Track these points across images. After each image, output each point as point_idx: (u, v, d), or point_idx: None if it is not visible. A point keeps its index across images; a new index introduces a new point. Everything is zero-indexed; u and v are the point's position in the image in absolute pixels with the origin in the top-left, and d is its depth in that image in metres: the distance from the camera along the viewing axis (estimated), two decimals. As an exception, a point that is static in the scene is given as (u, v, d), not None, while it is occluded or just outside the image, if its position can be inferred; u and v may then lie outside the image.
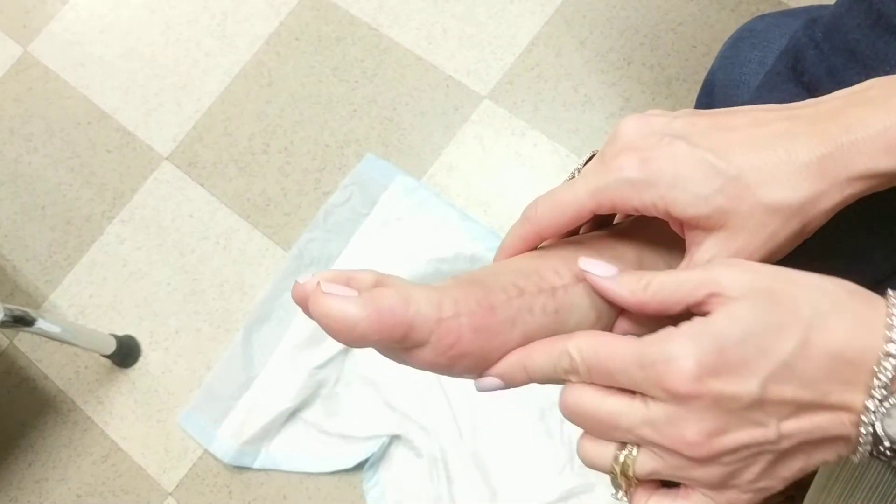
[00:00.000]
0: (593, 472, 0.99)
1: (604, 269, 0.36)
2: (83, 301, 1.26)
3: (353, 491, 1.09)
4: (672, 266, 0.40)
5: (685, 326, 0.32)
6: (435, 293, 0.35)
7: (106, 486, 1.17)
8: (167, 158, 1.31)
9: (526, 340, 0.36)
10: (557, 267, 0.38)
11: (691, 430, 0.31)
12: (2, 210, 1.34)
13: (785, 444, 0.32)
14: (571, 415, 0.35)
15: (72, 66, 1.40)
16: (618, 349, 0.33)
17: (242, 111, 1.31)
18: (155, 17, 1.40)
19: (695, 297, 0.33)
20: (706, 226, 0.34)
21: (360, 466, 1.09)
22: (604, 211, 0.37)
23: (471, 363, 0.35)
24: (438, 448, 1.06)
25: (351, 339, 0.33)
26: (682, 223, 0.36)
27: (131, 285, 1.25)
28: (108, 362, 1.20)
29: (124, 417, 1.19)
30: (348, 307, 0.32)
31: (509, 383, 0.37)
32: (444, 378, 1.07)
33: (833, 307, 0.31)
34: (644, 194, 0.35)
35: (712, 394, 0.31)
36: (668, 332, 0.32)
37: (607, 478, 0.36)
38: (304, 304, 0.34)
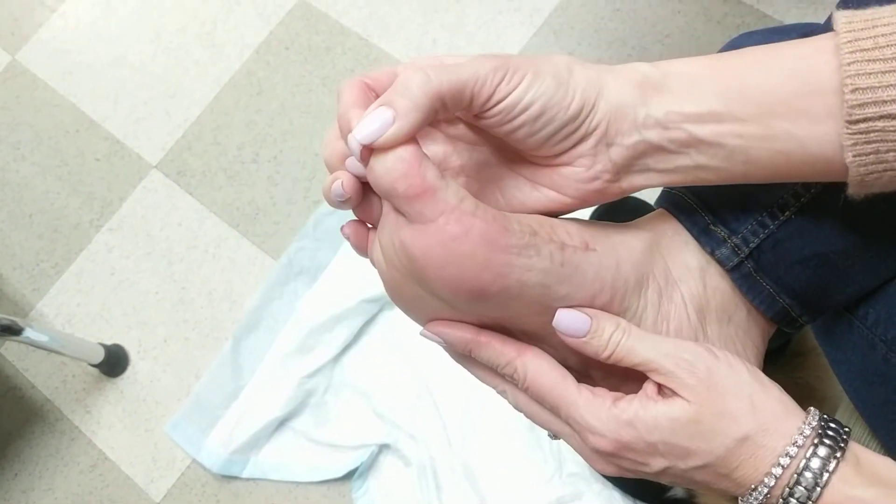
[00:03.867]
0: (582, 480, 1.00)
1: (576, 327, 0.38)
2: (71, 310, 1.26)
3: (342, 500, 1.09)
4: (677, 263, 0.42)
5: (623, 404, 0.37)
6: (463, 189, 0.36)
7: (93, 495, 1.16)
8: (156, 167, 1.31)
9: (523, 280, 0.36)
10: (570, 229, 0.39)
11: (599, 463, 0.40)
12: (-11, 218, 1.34)
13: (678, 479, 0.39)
14: (516, 407, 0.42)
15: (60, 74, 1.40)
16: (557, 389, 0.39)
17: (232, 120, 1.31)
18: (144, 26, 1.40)
19: (651, 376, 0.38)
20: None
21: (349, 475, 1.09)
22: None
23: (459, 273, 0.35)
24: (428, 457, 1.06)
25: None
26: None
27: (119, 294, 1.25)
28: (95, 371, 1.20)
29: (112, 427, 1.19)
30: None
31: (449, 347, 0.40)
32: (434, 386, 1.07)
33: (747, 449, 0.36)
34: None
35: (621, 459, 0.38)
36: (604, 402, 0.38)
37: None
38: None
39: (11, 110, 1.39)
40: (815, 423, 0.36)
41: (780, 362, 0.95)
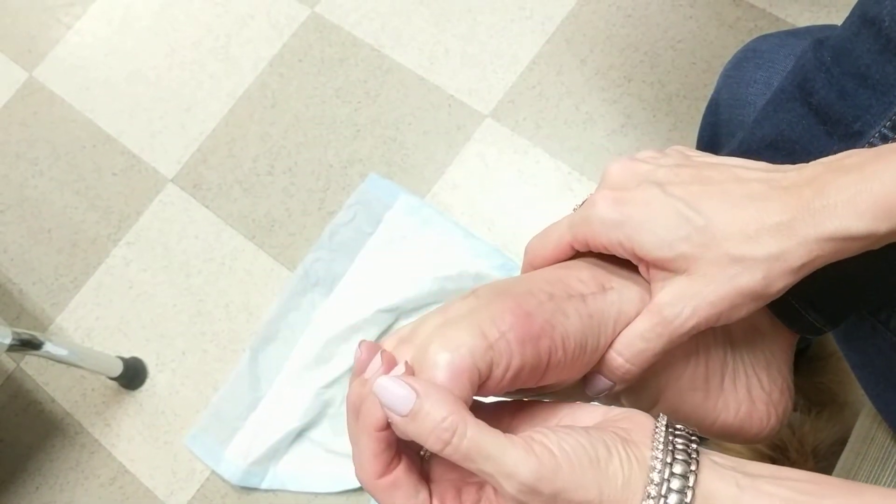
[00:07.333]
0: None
1: (397, 400, 0.32)
2: (90, 323, 1.26)
3: (360, 510, 1.09)
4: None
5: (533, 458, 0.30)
6: (471, 321, 0.33)
7: (113, 508, 1.17)
8: (172, 180, 1.32)
9: (567, 344, 0.35)
10: (581, 276, 0.38)
11: None
12: (8, 233, 1.35)
13: None
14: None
15: (76, 90, 1.41)
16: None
17: (247, 133, 1.32)
18: (159, 41, 1.41)
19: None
20: (670, 268, 0.36)
21: (367, 486, 1.09)
22: (579, 246, 0.38)
23: (530, 374, 0.34)
24: (446, 466, 1.06)
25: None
26: (646, 264, 0.37)
27: (137, 307, 1.26)
28: (114, 384, 1.21)
29: (131, 439, 1.19)
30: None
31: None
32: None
33: None
34: (611, 233, 0.36)
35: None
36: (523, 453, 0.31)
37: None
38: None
39: (29, 126, 1.41)
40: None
41: (800, 367, 0.94)
